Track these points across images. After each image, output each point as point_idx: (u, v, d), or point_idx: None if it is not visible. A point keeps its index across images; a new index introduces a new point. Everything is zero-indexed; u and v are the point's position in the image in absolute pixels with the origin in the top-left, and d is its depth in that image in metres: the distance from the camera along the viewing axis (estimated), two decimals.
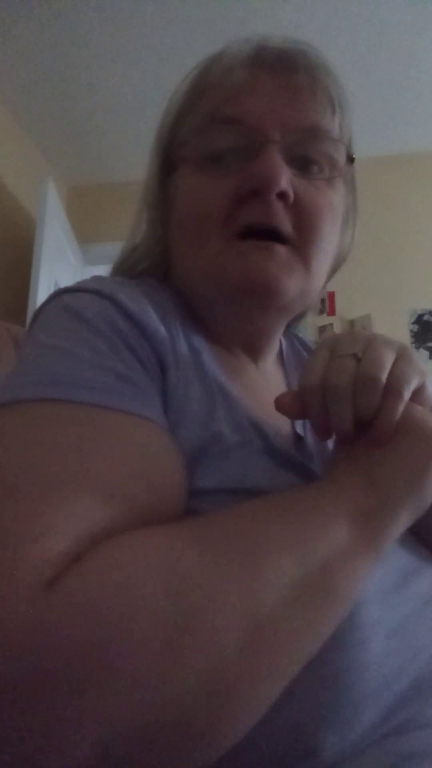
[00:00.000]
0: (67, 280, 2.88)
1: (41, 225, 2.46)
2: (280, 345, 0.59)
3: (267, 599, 0.26)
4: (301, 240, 0.44)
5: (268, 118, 0.43)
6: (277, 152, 0.42)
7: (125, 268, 0.54)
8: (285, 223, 0.43)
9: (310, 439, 0.48)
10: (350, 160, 0.48)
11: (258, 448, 0.40)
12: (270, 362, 0.55)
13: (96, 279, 0.44)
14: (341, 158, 0.46)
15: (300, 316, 0.61)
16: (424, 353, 2.74)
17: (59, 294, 0.42)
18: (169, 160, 0.50)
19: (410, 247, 2.88)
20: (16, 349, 0.70)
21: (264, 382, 0.51)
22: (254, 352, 0.52)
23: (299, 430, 0.49)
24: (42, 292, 2.40)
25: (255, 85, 0.44)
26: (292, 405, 0.38)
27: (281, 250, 0.43)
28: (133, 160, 3.00)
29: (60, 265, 2.74)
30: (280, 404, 0.38)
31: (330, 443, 0.50)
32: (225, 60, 0.45)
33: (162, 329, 0.40)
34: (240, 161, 0.43)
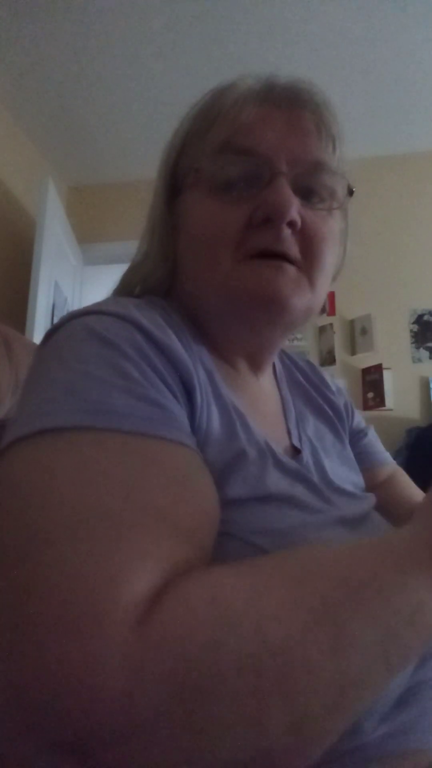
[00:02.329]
0: (67, 280, 2.88)
1: (41, 225, 2.46)
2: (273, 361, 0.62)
3: (353, 664, 0.27)
4: (306, 263, 0.47)
5: (278, 151, 0.46)
6: (286, 183, 0.45)
7: (131, 285, 0.56)
8: (293, 249, 0.46)
9: (306, 451, 0.52)
10: (350, 192, 0.51)
11: (270, 462, 0.44)
12: (267, 376, 0.58)
13: (115, 302, 0.45)
14: (341, 190, 0.50)
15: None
16: (425, 353, 2.74)
17: (79, 315, 0.42)
18: (176, 182, 0.52)
19: (410, 247, 2.87)
20: (6, 348, 0.70)
21: (262, 396, 0.55)
22: (256, 365, 0.55)
23: (296, 443, 0.52)
24: (42, 292, 2.40)
25: (266, 120, 0.47)
26: None
27: (291, 269, 0.46)
28: (132, 161, 3.00)
29: (60, 265, 2.74)
30: None
31: (323, 455, 0.53)
32: (235, 93, 0.49)
33: (184, 353, 0.42)
34: (250, 189, 0.46)
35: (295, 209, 0.45)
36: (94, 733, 0.23)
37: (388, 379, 2.69)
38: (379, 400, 2.66)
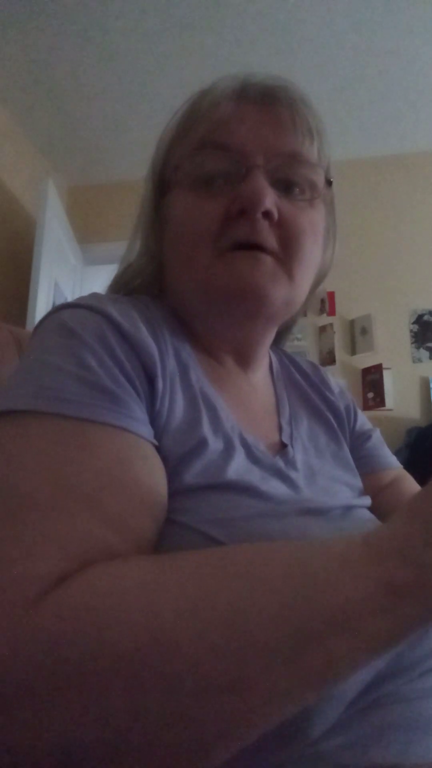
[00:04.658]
0: (67, 280, 2.88)
1: (41, 225, 2.46)
2: (270, 359, 0.62)
3: (256, 671, 0.24)
4: (285, 254, 0.47)
5: (253, 145, 0.47)
6: (261, 175, 0.46)
7: (121, 285, 0.57)
8: (270, 239, 0.46)
9: (296, 448, 0.51)
10: (328, 183, 0.52)
11: (241, 454, 0.44)
12: (260, 373, 0.58)
13: (92, 296, 0.47)
14: (320, 181, 0.50)
15: (288, 326, 0.65)
16: (425, 353, 2.74)
17: (58, 309, 0.44)
18: (162, 183, 0.53)
19: (410, 247, 2.87)
20: (18, 352, 0.70)
21: (252, 392, 0.55)
22: (244, 360, 0.55)
23: (285, 439, 0.52)
24: (42, 292, 2.40)
25: (241, 116, 0.48)
26: None
27: (267, 259, 0.46)
28: (132, 161, 3.00)
29: (60, 265, 2.74)
30: None
31: (314, 455, 0.53)
32: (214, 94, 0.50)
33: (152, 343, 0.42)
34: (228, 183, 0.47)
35: (269, 200, 0.45)
36: None
37: (388, 379, 2.69)
38: (379, 400, 2.66)
